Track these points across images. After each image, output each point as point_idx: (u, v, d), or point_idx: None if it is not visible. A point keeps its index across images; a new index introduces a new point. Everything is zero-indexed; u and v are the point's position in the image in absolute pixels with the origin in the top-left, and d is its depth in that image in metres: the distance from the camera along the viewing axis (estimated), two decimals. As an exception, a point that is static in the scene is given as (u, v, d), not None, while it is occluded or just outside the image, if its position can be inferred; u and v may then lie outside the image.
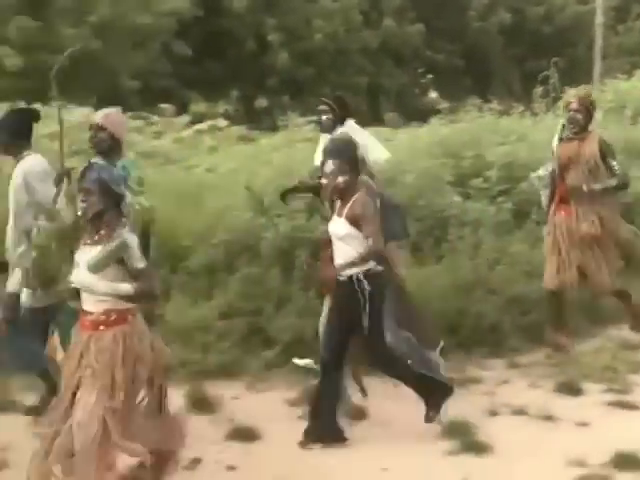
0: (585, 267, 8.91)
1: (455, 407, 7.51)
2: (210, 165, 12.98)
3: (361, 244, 6.91)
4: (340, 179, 6.98)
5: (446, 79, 32.95)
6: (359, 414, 7.67)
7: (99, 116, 7.51)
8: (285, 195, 8.36)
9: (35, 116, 7.38)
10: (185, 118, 19.02)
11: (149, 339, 5.64)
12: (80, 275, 5.51)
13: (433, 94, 36.28)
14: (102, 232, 5.51)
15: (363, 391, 7.80)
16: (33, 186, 7.13)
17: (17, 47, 28.20)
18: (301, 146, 13.95)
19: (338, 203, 7.09)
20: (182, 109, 21.07)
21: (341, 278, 7.01)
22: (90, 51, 28.81)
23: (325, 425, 7.04)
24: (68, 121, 16.70)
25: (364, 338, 7.06)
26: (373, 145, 8.41)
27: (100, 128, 7.32)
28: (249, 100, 33.09)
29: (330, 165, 7.11)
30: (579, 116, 8.76)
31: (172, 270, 9.40)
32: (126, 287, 5.44)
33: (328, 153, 7.15)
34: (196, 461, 6.68)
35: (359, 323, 6.92)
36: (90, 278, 5.45)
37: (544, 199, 9.09)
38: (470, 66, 35.48)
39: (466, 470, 6.53)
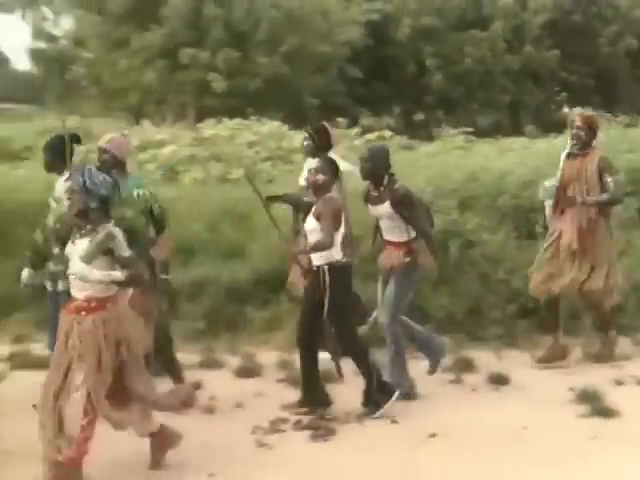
0: (576, 278, 7.96)
1: (586, 377, 7.39)
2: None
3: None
4: (319, 177, 6.78)
5: (578, 97, 31.87)
6: (502, 380, 7.55)
7: (104, 140, 7.18)
8: (270, 199, 7.92)
9: (76, 139, 7.08)
10: (356, 129, 19.02)
11: (129, 323, 5.43)
12: (76, 266, 5.32)
13: (566, 109, 35.35)
14: (88, 227, 5.34)
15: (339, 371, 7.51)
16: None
17: (223, 73, 28.91)
18: (453, 153, 13.77)
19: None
20: (353, 122, 21.08)
21: (313, 268, 6.74)
22: (280, 75, 29.36)
23: (309, 392, 6.79)
24: (261, 132, 17.10)
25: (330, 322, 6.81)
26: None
27: (104, 151, 7.06)
28: (409, 115, 32.92)
29: (315, 163, 7.00)
30: (582, 133, 8.00)
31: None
32: (117, 274, 5.28)
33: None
34: (364, 415, 6.69)
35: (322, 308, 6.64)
36: (84, 268, 5.26)
37: (547, 210, 8.28)
38: (599, 85, 34.36)
39: (596, 431, 6.33)
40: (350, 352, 6.87)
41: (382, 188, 6.96)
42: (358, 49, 32.13)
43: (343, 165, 8.00)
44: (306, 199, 7.30)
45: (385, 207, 6.95)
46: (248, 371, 7.73)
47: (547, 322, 8.30)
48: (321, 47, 30.87)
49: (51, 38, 36.40)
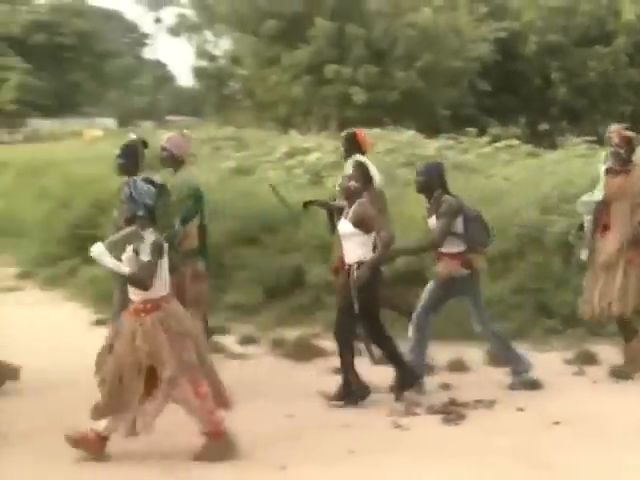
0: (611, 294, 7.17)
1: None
2: (505, 175, 12.74)
3: (363, 241, 6.54)
4: (352, 183, 6.70)
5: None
6: (623, 374, 7.30)
7: (164, 139, 7.20)
8: (306, 204, 7.92)
9: (145, 145, 7.05)
10: (485, 138, 18.76)
11: (186, 318, 5.43)
12: (97, 248, 5.33)
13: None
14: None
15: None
16: None
17: (364, 87, 29.21)
18: (577, 161, 13.40)
19: (346, 207, 6.74)
20: (482, 132, 20.81)
21: (346, 267, 6.63)
22: (415, 89, 29.33)
23: (347, 383, 6.62)
24: (398, 141, 17.11)
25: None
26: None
27: (163, 149, 7.07)
28: (534, 125, 32.43)
29: (349, 168, 6.89)
30: (621, 150, 7.28)
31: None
32: (125, 269, 5.27)
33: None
34: (492, 402, 6.57)
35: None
36: (102, 252, 5.26)
37: (586, 225, 7.42)
38: None
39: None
40: (379, 344, 6.81)
41: (433, 201, 6.83)
42: (487, 64, 31.85)
43: (373, 171, 8.01)
44: (336, 203, 7.29)
45: (434, 220, 6.82)
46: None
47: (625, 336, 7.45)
48: (453, 62, 30.73)
49: (212, 57, 37.58)
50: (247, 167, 14.60)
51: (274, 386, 6.68)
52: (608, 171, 7.38)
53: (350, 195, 6.74)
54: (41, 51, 64.97)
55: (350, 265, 6.58)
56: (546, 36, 32.78)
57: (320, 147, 16.13)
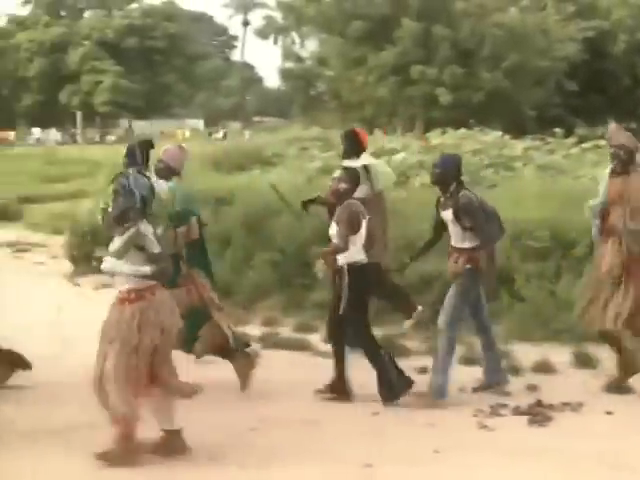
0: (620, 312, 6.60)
1: None
2: (593, 175, 12.53)
3: (351, 241, 6.50)
4: (341, 185, 6.67)
5: None
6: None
7: (161, 151, 7.32)
8: (305, 203, 7.97)
9: (151, 145, 7.08)
10: (572, 139, 18.46)
11: (167, 311, 5.36)
12: (107, 262, 5.36)
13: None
14: (126, 225, 5.28)
15: None
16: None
17: (449, 87, 29.15)
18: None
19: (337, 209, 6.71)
20: (569, 132, 20.47)
21: (336, 267, 6.59)
22: (501, 89, 29.05)
23: (339, 381, 6.64)
24: (484, 141, 17.00)
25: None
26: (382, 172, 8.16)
27: (160, 160, 7.20)
28: (622, 125, 31.66)
29: (339, 173, 6.85)
30: (620, 152, 6.73)
31: (562, 256, 9.11)
32: (145, 269, 5.24)
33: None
34: (579, 405, 6.49)
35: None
36: (115, 263, 5.29)
37: (594, 230, 6.96)
38: None
39: None
40: (363, 346, 6.68)
41: (448, 195, 6.62)
42: (575, 63, 31.41)
43: (382, 167, 8.04)
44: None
45: (449, 214, 6.60)
46: (470, 360, 7.68)
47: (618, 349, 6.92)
48: (540, 62, 30.40)
49: (298, 59, 38.06)
50: (333, 167, 14.73)
51: (358, 384, 6.73)
52: (612, 173, 6.88)
53: (339, 197, 6.73)
54: (133, 54, 67.02)
55: (341, 266, 6.55)
56: (636, 35, 32.21)
57: (405, 148, 16.17)
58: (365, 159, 8.04)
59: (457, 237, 6.59)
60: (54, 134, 63.81)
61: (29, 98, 67.50)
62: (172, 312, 5.43)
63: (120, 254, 5.29)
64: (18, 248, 11.10)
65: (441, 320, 6.56)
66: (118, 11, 69.38)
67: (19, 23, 69.81)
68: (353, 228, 6.50)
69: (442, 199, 6.73)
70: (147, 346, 5.23)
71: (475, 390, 6.74)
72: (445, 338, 6.53)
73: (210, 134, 59.06)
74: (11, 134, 60.78)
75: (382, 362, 6.54)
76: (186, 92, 71.00)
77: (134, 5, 71.70)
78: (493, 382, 6.75)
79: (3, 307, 8.63)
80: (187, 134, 59.95)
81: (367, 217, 6.70)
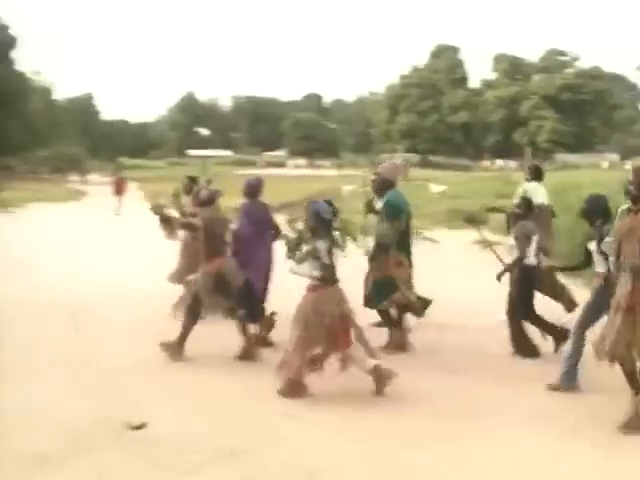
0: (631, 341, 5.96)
1: None
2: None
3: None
4: (516, 210, 8.32)
5: None
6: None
7: (378, 167, 8.58)
8: (489, 210, 9.87)
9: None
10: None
11: (335, 301, 6.57)
12: (290, 264, 6.74)
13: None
14: (311, 239, 6.64)
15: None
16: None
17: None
18: None
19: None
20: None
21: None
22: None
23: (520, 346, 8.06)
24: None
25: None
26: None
27: (376, 173, 8.28)
28: None
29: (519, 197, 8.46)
30: (631, 187, 6.14)
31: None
32: (315, 274, 6.56)
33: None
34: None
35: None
36: (297, 267, 6.67)
37: (611, 267, 6.49)
38: None
39: None
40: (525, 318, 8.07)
41: (593, 229, 6.94)
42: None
43: (543, 196, 9.61)
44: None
45: (593, 245, 6.89)
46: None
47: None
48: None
49: None
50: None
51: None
52: (628, 211, 6.46)
53: (514, 218, 8.27)
54: (568, 105, 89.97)
55: (518, 267, 7.99)
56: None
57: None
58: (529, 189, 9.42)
59: (599, 264, 6.86)
60: (510, 163, 75.55)
61: (492, 137, 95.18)
62: (339, 302, 6.62)
63: (300, 261, 6.66)
64: (484, 245, 12.01)
65: (574, 324, 7.05)
66: (558, 74, 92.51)
67: (488, 85, 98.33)
68: (528, 241, 7.89)
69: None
70: (318, 323, 6.50)
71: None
72: (573, 337, 6.95)
73: (624, 165, 63.20)
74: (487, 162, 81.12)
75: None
76: (606, 133, 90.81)
77: (569, 70, 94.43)
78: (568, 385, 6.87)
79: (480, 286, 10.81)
80: (605, 165, 64.57)
81: (536, 234, 7.94)
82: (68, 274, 12.30)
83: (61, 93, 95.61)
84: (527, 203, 8.21)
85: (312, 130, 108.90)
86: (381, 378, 6.57)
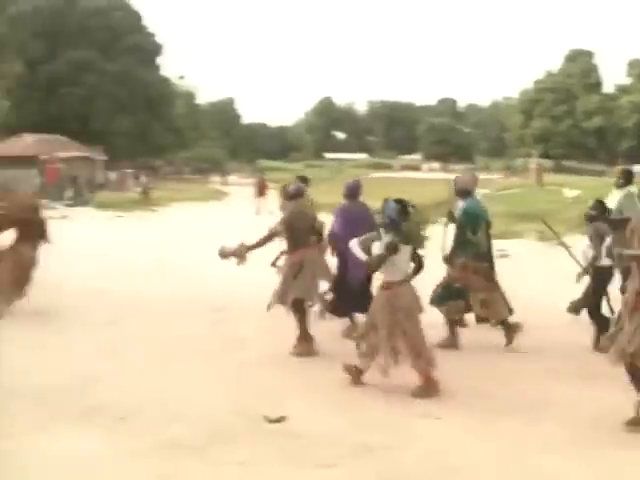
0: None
1: None
2: None
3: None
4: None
5: None
6: None
7: (455, 177, 8.85)
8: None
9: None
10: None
11: (406, 297, 6.69)
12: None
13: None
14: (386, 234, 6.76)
15: None
16: None
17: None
18: None
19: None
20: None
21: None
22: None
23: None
24: None
25: None
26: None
27: (454, 182, 8.62)
28: None
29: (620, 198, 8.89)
30: None
31: None
32: (363, 257, 6.89)
33: None
34: None
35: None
36: (357, 249, 6.97)
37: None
38: None
39: None
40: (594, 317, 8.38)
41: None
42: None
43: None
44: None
45: None
46: None
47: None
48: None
49: None
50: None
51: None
52: None
53: (589, 220, 8.44)
54: None
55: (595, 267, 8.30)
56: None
57: None
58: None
59: None
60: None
61: (626, 143, 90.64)
62: (411, 300, 6.75)
63: (362, 243, 6.96)
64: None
65: None
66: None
67: (622, 90, 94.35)
68: (600, 242, 8.23)
69: None
70: (391, 320, 6.61)
71: None
72: None
73: None
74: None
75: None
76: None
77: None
78: None
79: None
80: None
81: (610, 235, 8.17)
82: (208, 272, 12.62)
83: (204, 97, 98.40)
84: (600, 205, 8.37)
85: (447, 134, 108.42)
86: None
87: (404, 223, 6.68)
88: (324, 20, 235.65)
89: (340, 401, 6.51)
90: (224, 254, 7.96)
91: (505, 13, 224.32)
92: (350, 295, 8.38)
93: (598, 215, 8.32)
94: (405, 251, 6.65)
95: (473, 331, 8.55)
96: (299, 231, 7.89)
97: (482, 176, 51.98)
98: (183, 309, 10.19)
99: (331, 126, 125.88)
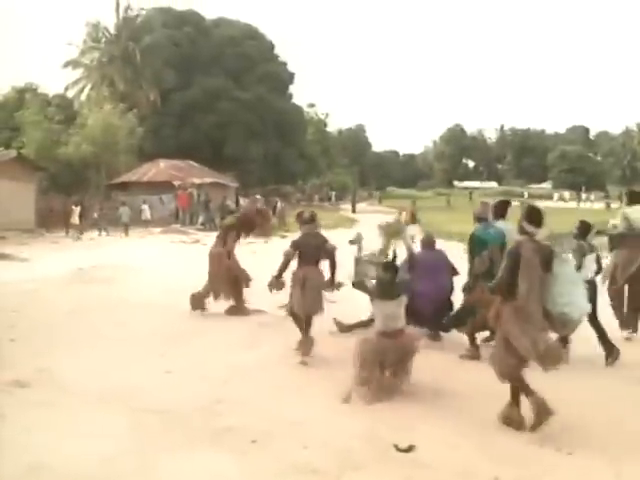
0: None
1: None
2: None
3: None
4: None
5: None
6: None
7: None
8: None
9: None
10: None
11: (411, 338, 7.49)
12: None
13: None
14: None
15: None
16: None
17: None
18: None
19: None
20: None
21: None
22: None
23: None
24: None
25: None
26: None
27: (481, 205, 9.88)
28: None
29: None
30: None
31: None
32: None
33: None
34: None
35: None
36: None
37: None
38: None
39: None
40: None
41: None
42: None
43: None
44: None
45: None
46: None
47: None
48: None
49: None
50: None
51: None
52: None
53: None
54: None
55: None
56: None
57: None
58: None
59: None
60: None
61: None
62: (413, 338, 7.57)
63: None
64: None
65: None
66: None
67: None
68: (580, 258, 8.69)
69: None
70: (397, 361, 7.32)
71: None
72: None
73: None
74: None
75: None
76: None
77: None
78: None
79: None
80: None
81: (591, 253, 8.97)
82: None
83: (334, 124, 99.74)
84: (583, 225, 9.18)
85: (578, 162, 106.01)
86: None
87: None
88: (454, 47, 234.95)
89: (467, 430, 6.37)
90: (270, 288, 9.23)
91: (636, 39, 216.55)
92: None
93: (581, 234, 9.02)
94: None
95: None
96: (306, 251, 9.05)
97: (614, 205, 47.96)
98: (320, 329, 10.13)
99: (461, 154, 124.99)
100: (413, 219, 29.55)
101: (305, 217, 9.38)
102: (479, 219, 9.32)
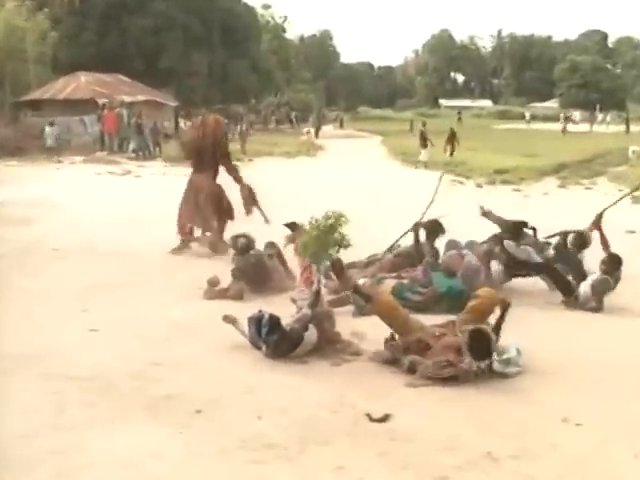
0: None
1: None
2: None
3: None
4: None
5: None
6: None
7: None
8: None
9: None
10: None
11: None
12: None
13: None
14: None
15: None
16: None
17: None
18: None
19: None
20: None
21: None
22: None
23: None
24: None
25: None
26: None
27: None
28: None
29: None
30: None
31: None
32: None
33: None
34: None
35: None
36: None
37: None
38: None
39: None
40: None
41: None
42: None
43: None
44: None
45: None
46: None
47: None
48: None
49: None
50: None
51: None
52: None
53: None
54: None
55: None
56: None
57: None
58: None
59: None
60: None
61: None
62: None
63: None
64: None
65: None
66: None
67: None
68: None
69: None
70: None
71: None
72: None
73: None
74: None
75: None
76: None
77: None
78: None
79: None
80: None
81: None
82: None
83: (295, 30, 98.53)
84: (615, 258, 9.52)
85: (592, 76, 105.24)
86: None
87: None
88: None
89: (454, 401, 6.41)
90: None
91: None
92: None
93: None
94: None
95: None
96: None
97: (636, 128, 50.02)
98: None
99: (448, 66, 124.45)
100: (424, 143, 31.44)
101: (241, 245, 9.96)
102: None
